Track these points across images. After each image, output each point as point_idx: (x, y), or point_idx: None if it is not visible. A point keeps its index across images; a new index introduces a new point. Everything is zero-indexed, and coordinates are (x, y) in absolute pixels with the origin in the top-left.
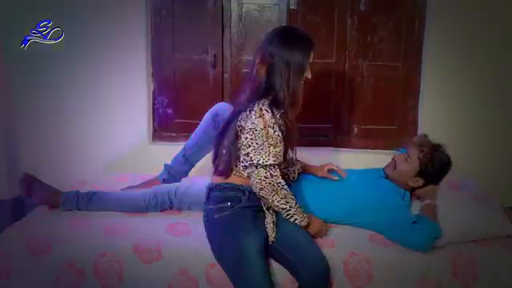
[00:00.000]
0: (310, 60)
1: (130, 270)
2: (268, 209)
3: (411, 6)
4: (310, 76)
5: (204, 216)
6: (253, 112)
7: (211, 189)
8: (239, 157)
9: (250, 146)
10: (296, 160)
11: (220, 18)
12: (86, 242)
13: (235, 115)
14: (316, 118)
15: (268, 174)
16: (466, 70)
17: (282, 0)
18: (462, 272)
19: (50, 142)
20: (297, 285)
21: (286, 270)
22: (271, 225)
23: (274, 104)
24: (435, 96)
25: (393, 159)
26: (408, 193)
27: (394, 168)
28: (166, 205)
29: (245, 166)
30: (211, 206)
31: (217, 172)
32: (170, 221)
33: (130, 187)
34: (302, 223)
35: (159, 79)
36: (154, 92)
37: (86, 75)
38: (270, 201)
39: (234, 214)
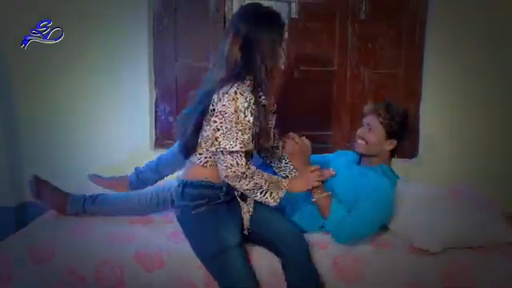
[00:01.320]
0: (284, 42)
1: (132, 277)
2: (243, 200)
3: (412, 14)
4: (283, 66)
5: (179, 212)
6: (226, 95)
7: (186, 185)
8: (209, 142)
9: (219, 129)
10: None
11: (222, 26)
12: (88, 249)
13: (207, 95)
14: (317, 125)
15: (234, 162)
16: (468, 77)
17: (283, 8)
18: (458, 279)
19: (51, 148)
20: (280, 277)
21: (267, 263)
22: (247, 215)
23: (252, 86)
24: (436, 103)
25: (358, 136)
26: (385, 166)
27: (367, 143)
28: (167, 202)
29: (213, 152)
30: (186, 203)
31: (184, 153)
32: (171, 228)
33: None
34: (281, 194)
35: (161, 86)
36: (156, 99)
37: (88, 84)
38: (238, 186)
39: (210, 209)
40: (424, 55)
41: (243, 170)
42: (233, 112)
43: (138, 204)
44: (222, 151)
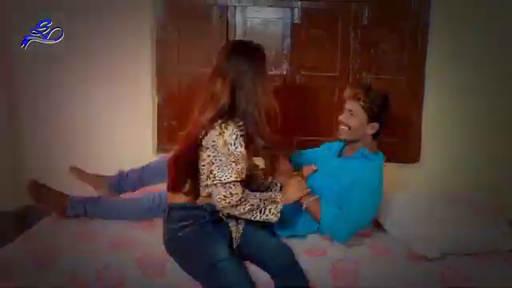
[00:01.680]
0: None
1: (133, 284)
2: (228, 217)
3: (414, 20)
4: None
5: (165, 236)
6: (212, 131)
7: (171, 208)
8: (200, 176)
9: (213, 163)
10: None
11: (225, 32)
12: (90, 255)
13: (197, 134)
14: (319, 131)
15: (227, 193)
16: (471, 82)
17: (286, 14)
18: (456, 286)
19: (52, 153)
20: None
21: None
22: (234, 228)
23: (237, 121)
24: (439, 109)
25: (340, 122)
26: (365, 150)
27: (349, 128)
28: None
29: (206, 184)
30: (173, 226)
31: (180, 191)
32: None
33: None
34: (279, 207)
35: (163, 92)
36: (158, 104)
37: (91, 89)
38: (237, 213)
39: (196, 228)
40: (426, 61)
41: (237, 198)
42: (222, 145)
43: (140, 205)
44: (216, 184)
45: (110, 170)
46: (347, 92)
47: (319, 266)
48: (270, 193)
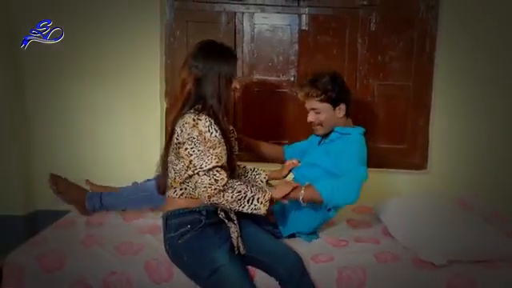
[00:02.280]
0: (236, 72)
1: None
2: (229, 220)
3: (422, 26)
4: (238, 86)
5: (166, 245)
6: (186, 125)
7: (168, 217)
8: (183, 172)
9: (191, 154)
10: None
11: (233, 38)
12: (97, 260)
13: (171, 133)
14: None
15: (212, 180)
16: (478, 89)
17: (294, 20)
18: None
19: (61, 159)
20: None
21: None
22: (235, 234)
23: (206, 112)
24: (446, 115)
25: (312, 124)
26: (338, 127)
27: (322, 125)
28: None
29: (189, 175)
30: (172, 234)
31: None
32: None
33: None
34: (267, 196)
35: (172, 97)
36: (166, 110)
37: (99, 95)
38: (224, 203)
39: (196, 234)
40: (434, 67)
41: (223, 182)
42: (198, 135)
43: (153, 190)
44: (198, 173)
45: (118, 172)
46: (300, 95)
47: (325, 272)
48: (256, 183)
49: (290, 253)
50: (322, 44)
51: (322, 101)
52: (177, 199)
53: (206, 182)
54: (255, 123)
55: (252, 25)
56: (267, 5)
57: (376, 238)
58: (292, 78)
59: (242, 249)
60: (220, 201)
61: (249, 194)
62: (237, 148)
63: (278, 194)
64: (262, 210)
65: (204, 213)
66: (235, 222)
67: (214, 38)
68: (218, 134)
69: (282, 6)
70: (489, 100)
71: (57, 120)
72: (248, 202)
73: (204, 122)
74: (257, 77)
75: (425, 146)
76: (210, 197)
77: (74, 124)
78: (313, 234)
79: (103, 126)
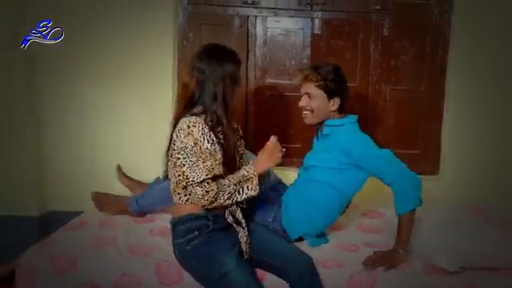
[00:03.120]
0: (240, 73)
1: None
2: (238, 224)
3: (435, 31)
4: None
5: (174, 251)
6: (181, 131)
7: (175, 223)
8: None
9: (184, 165)
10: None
11: (245, 42)
12: (109, 261)
13: (172, 135)
14: None
15: (204, 191)
16: (490, 94)
17: (307, 24)
18: None
19: (75, 161)
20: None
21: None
22: (244, 238)
23: (205, 118)
24: (458, 121)
25: (302, 108)
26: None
27: (312, 111)
28: None
29: (183, 186)
30: (180, 240)
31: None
32: None
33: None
34: (255, 181)
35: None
36: None
37: (113, 97)
38: (219, 204)
39: (204, 239)
40: (447, 72)
41: (214, 193)
42: (193, 145)
43: None
44: (192, 184)
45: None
46: (298, 77)
47: (336, 277)
48: (241, 172)
49: (301, 255)
50: (334, 48)
51: (318, 87)
52: (182, 205)
53: (199, 192)
54: (266, 127)
55: (265, 28)
56: (280, 8)
57: (387, 243)
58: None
59: (245, 252)
60: (214, 205)
61: (238, 188)
62: (243, 148)
63: (264, 165)
64: (254, 193)
65: (211, 218)
66: (244, 225)
67: (226, 41)
68: (209, 146)
69: (294, 9)
70: (502, 106)
71: (69, 121)
72: (239, 194)
73: (197, 131)
74: (269, 80)
75: (437, 151)
76: (203, 205)
77: (87, 125)
78: (321, 237)
79: (117, 127)
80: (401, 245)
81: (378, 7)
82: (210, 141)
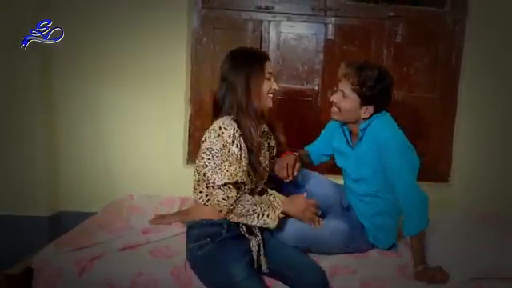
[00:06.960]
0: (267, 71)
1: None
2: (250, 234)
3: (448, 38)
4: (276, 87)
5: (187, 254)
6: (212, 131)
7: (190, 227)
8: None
9: (207, 166)
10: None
11: (258, 46)
12: (128, 261)
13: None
14: None
15: (225, 195)
16: (503, 102)
17: (320, 30)
18: None
19: (86, 163)
20: None
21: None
22: (256, 248)
23: (235, 120)
24: (471, 128)
25: (333, 103)
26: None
27: (340, 110)
28: None
29: (206, 186)
30: (192, 245)
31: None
32: None
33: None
34: (278, 212)
35: (197, 104)
36: (190, 116)
37: (125, 99)
38: (235, 219)
39: (215, 247)
40: (460, 79)
41: (232, 201)
42: (221, 147)
43: None
44: (212, 186)
45: (143, 175)
46: (340, 71)
47: (347, 285)
48: (267, 197)
49: (314, 267)
50: (347, 54)
51: (354, 90)
52: (202, 207)
53: (220, 196)
54: None
55: (278, 33)
56: (293, 14)
57: (398, 250)
58: (316, 87)
59: (263, 265)
60: (228, 216)
61: (258, 211)
62: (274, 152)
63: (292, 212)
64: (271, 225)
65: (225, 226)
66: (258, 236)
67: (240, 45)
68: (236, 150)
69: (308, 15)
70: None
71: (82, 122)
72: (258, 218)
73: (229, 134)
74: (281, 85)
75: (448, 158)
76: (220, 210)
77: (100, 126)
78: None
79: (130, 129)
80: (418, 263)
81: (391, 14)
82: (239, 146)
